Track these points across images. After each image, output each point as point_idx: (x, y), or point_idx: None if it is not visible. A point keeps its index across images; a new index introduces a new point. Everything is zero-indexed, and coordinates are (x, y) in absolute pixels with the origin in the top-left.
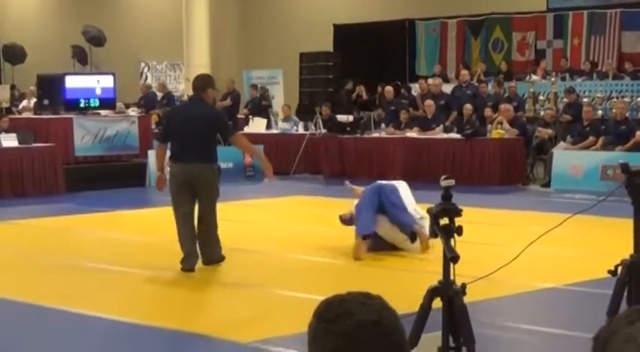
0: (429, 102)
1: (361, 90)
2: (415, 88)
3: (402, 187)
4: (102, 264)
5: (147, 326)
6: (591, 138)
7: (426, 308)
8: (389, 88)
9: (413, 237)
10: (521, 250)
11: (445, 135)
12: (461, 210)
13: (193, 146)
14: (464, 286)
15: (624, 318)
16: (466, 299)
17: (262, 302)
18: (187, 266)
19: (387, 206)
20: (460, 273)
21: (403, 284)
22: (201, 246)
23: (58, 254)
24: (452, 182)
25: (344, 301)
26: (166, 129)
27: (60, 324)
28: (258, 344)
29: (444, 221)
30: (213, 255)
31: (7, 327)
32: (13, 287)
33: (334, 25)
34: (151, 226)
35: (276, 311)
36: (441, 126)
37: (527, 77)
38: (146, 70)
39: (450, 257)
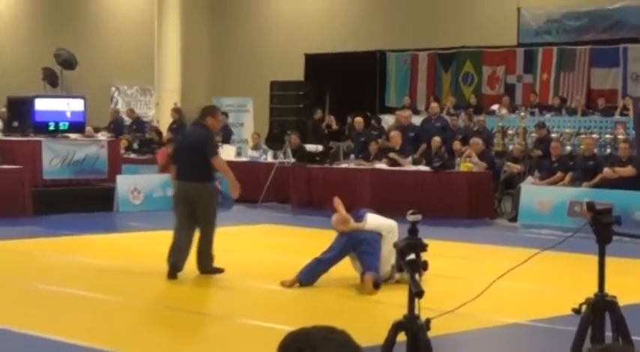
0: (395, 133)
1: (331, 120)
2: (385, 120)
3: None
4: (65, 287)
5: (104, 350)
6: (559, 174)
7: (390, 342)
8: (359, 119)
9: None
10: (487, 285)
11: (414, 168)
12: (426, 245)
13: (190, 165)
14: (428, 321)
15: None
16: (431, 334)
17: (227, 331)
18: (170, 276)
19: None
20: (426, 307)
21: (370, 315)
22: (198, 257)
23: (23, 277)
24: (419, 217)
25: (308, 335)
26: (173, 151)
27: (19, 347)
28: None
29: (410, 256)
30: (209, 267)
31: None
32: None
33: (305, 55)
34: (118, 250)
35: (240, 340)
36: (410, 158)
37: (497, 111)
38: (116, 94)
39: (416, 292)
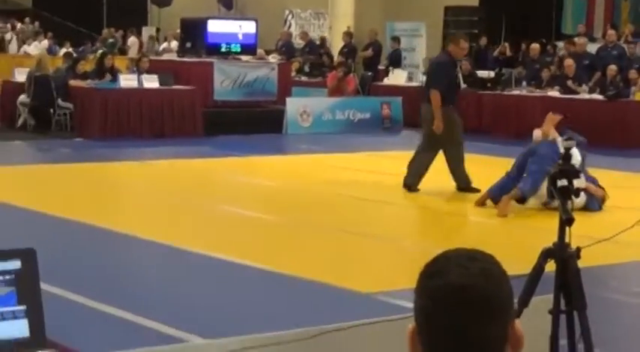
0: (569, 61)
1: (505, 47)
2: (560, 47)
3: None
4: (235, 207)
5: (271, 271)
6: None
7: (538, 269)
8: (535, 46)
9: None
10: None
11: (587, 96)
12: (579, 172)
13: (426, 88)
14: (579, 249)
15: None
16: (591, 263)
17: (389, 254)
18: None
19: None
20: (585, 235)
21: (525, 241)
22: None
23: (194, 196)
24: (573, 143)
25: (447, 259)
26: None
27: (192, 266)
28: (378, 295)
29: (562, 182)
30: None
31: (140, 266)
32: (149, 227)
33: None
34: (287, 173)
35: (402, 263)
36: (584, 86)
37: None
38: (290, 17)
39: (566, 219)
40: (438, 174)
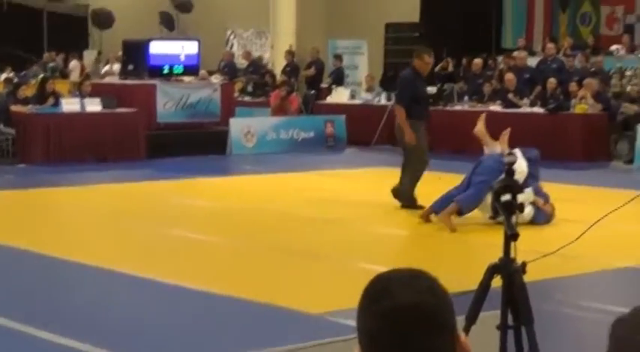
0: (510, 75)
1: (447, 62)
2: (501, 61)
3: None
4: (179, 230)
5: (218, 293)
6: None
7: (485, 285)
8: (477, 61)
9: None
10: (587, 227)
11: (528, 110)
12: (523, 187)
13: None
14: (524, 264)
15: None
16: (537, 277)
17: (337, 274)
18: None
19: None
20: (532, 249)
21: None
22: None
23: (137, 219)
24: (515, 158)
25: (389, 279)
26: None
27: (131, 289)
28: (328, 315)
29: (506, 197)
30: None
31: (80, 290)
32: (91, 252)
33: None
34: (231, 194)
35: (349, 283)
36: (526, 100)
37: (616, 51)
38: (232, 37)
39: (510, 234)
40: (383, 190)
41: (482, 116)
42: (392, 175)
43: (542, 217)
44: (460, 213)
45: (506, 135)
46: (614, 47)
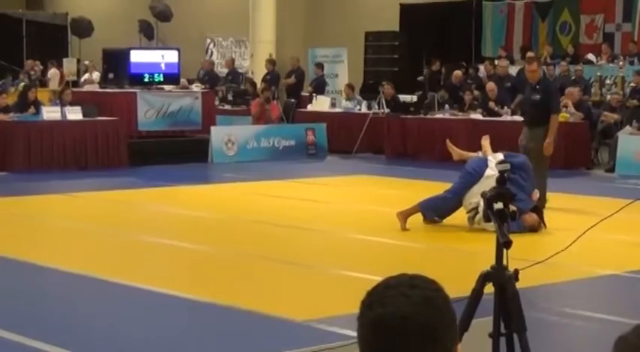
0: (491, 84)
1: (430, 70)
2: (481, 70)
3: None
4: (161, 238)
5: (201, 301)
6: None
7: (477, 293)
8: (457, 73)
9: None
10: (578, 236)
11: (509, 118)
12: (515, 195)
13: None
14: (516, 272)
15: None
16: (524, 284)
17: (319, 282)
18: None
19: None
20: (519, 257)
21: (463, 265)
22: None
23: (118, 227)
24: (507, 166)
25: (387, 287)
26: None
27: (113, 297)
28: (313, 322)
29: (498, 205)
30: None
31: (59, 297)
32: (73, 260)
33: (401, 5)
34: (212, 202)
35: (333, 290)
36: (506, 108)
37: (596, 60)
38: (212, 45)
39: (503, 242)
40: (364, 198)
41: (448, 144)
42: (373, 183)
43: (516, 227)
44: (424, 216)
45: (486, 140)
46: (591, 55)
